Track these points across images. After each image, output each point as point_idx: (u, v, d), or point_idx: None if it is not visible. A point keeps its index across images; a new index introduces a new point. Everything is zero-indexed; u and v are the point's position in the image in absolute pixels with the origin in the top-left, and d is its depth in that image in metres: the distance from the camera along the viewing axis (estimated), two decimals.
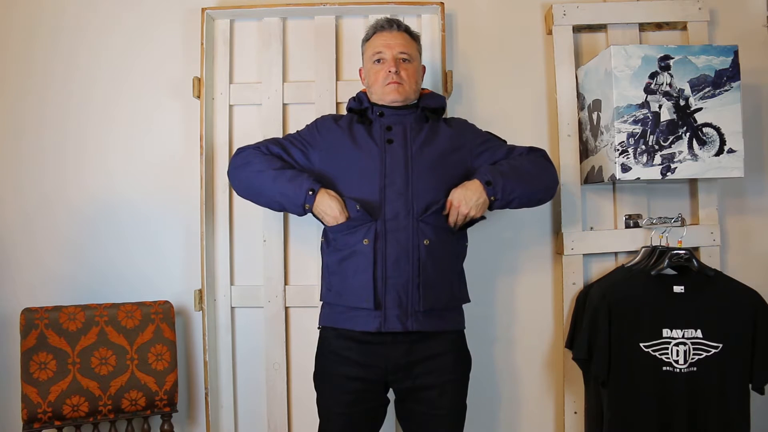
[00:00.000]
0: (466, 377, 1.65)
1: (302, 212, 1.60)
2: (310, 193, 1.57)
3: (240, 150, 1.72)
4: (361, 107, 1.71)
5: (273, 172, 1.62)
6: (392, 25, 1.68)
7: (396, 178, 1.58)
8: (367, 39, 1.73)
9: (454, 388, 1.61)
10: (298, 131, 1.77)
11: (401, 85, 1.64)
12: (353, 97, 1.76)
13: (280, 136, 1.98)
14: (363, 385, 1.58)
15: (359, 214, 1.55)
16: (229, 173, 1.72)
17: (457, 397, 1.62)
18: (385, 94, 1.66)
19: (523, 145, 1.75)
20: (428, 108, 1.70)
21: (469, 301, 1.68)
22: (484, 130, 1.76)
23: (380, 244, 1.55)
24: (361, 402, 1.59)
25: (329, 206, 1.56)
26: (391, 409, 1.66)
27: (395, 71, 1.63)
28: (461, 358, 1.65)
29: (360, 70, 1.79)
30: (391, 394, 1.66)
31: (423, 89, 1.76)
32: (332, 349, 1.62)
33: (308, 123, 1.79)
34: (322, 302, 1.68)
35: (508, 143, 1.75)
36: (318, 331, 1.69)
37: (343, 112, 2.01)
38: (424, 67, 1.79)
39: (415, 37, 1.72)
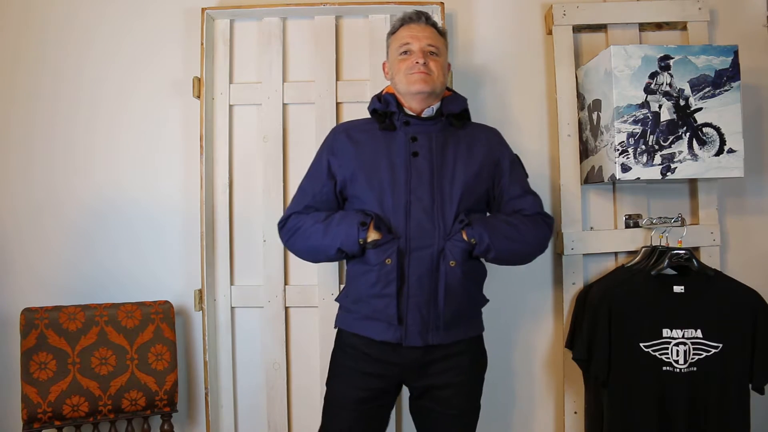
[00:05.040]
0: (481, 377, 1.65)
1: (359, 249, 1.53)
2: (362, 226, 1.51)
3: (285, 223, 1.64)
4: (386, 110, 1.61)
5: (321, 225, 1.56)
6: (420, 17, 1.61)
7: (422, 194, 1.52)
8: (393, 32, 1.64)
9: (469, 388, 1.60)
10: (317, 164, 1.65)
11: (429, 75, 1.55)
12: (378, 97, 1.65)
13: (280, 136, 2.00)
14: (379, 383, 1.57)
15: (386, 237, 1.51)
16: (287, 245, 1.67)
17: (470, 397, 1.61)
18: (410, 84, 1.56)
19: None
20: (452, 114, 1.61)
21: (488, 300, 1.65)
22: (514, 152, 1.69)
23: (404, 261, 1.51)
24: (374, 399, 1.58)
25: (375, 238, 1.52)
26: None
27: (423, 63, 1.55)
28: (477, 358, 1.64)
29: (384, 64, 1.69)
30: (403, 392, 1.65)
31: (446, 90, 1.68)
32: (351, 342, 1.59)
33: (322, 144, 1.68)
34: (338, 304, 1.66)
35: (527, 182, 1.67)
36: (333, 331, 1.67)
37: (343, 111, 2.02)
38: (449, 65, 1.71)
39: (442, 33, 1.65)
